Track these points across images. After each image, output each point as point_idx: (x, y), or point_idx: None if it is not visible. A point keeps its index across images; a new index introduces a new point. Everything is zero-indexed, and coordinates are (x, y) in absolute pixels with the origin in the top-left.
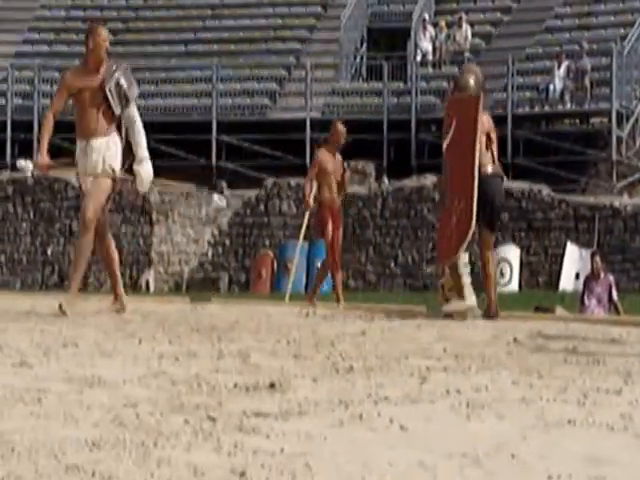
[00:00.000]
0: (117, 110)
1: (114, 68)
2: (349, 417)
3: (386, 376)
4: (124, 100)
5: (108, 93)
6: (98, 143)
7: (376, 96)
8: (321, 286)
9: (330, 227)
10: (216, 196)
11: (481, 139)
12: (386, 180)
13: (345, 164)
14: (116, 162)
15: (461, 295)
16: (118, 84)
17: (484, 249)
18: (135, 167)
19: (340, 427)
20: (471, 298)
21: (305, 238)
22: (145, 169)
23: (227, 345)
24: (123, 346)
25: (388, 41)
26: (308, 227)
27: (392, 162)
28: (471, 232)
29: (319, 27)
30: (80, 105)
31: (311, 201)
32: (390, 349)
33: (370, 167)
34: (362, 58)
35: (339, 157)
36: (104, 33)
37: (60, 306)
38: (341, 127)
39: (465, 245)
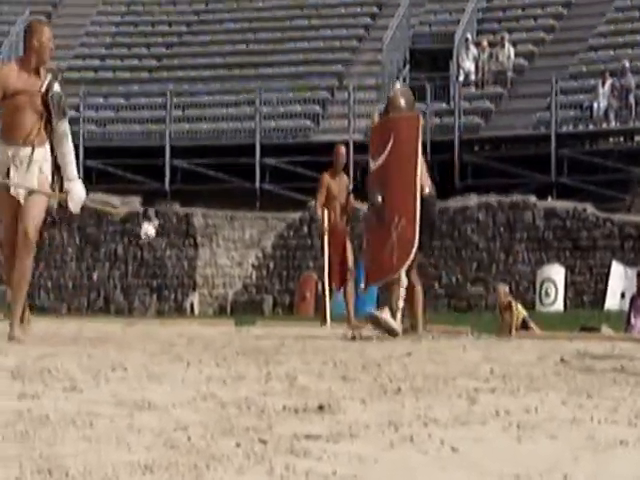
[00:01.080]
0: (55, 121)
1: (56, 75)
2: (399, 439)
3: (434, 397)
4: (62, 112)
5: (50, 101)
6: (37, 154)
7: None
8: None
9: (327, 251)
10: (145, 225)
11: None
12: None
13: (346, 183)
14: (49, 177)
15: (394, 316)
16: (59, 93)
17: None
18: (68, 185)
19: (391, 449)
20: (399, 323)
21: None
22: (79, 188)
23: (274, 367)
24: (171, 369)
25: (430, 62)
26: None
27: (435, 183)
28: (414, 252)
29: (362, 49)
30: (14, 108)
31: (325, 224)
32: (437, 370)
33: None
34: (404, 79)
35: (345, 180)
36: (49, 32)
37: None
38: (341, 150)
39: (407, 265)
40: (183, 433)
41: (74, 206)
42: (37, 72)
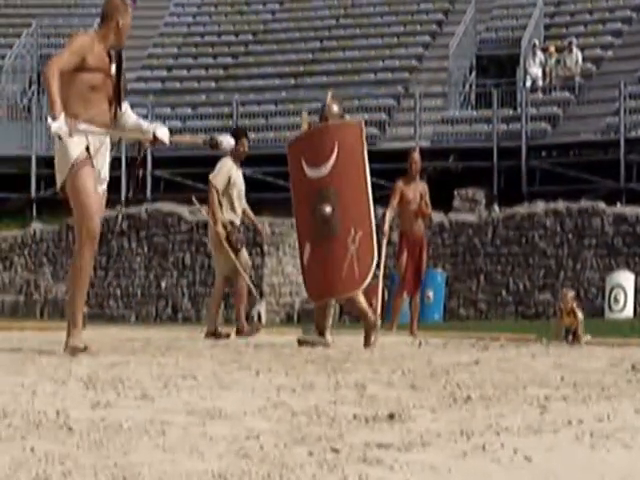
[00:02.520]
0: (123, 106)
1: (121, 57)
2: (472, 448)
3: (505, 406)
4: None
5: (123, 85)
6: (108, 143)
7: (486, 123)
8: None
9: (404, 257)
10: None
11: None
12: (496, 207)
13: (423, 189)
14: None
15: (322, 334)
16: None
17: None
18: (149, 127)
19: (463, 458)
20: (329, 337)
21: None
22: (161, 127)
23: (343, 376)
24: (240, 377)
25: (497, 68)
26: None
27: (502, 189)
28: (375, 264)
29: (428, 56)
30: (91, 87)
31: (386, 228)
32: (506, 378)
33: (480, 195)
34: (471, 86)
35: (421, 186)
36: (131, 15)
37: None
38: (414, 156)
39: (370, 278)
40: (255, 442)
41: (163, 136)
42: (109, 53)
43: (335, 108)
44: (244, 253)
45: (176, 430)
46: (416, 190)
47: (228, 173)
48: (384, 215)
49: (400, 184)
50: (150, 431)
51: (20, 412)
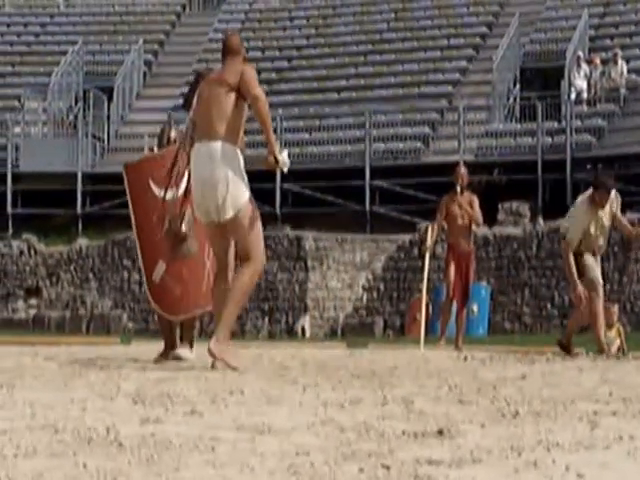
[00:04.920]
0: None
1: None
2: (523, 464)
3: (554, 421)
4: None
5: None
6: None
7: (530, 136)
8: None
9: (452, 270)
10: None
11: None
12: (541, 221)
13: (471, 200)
14: None
15: (192, 346)
16: None
17: None
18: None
19: (515, 475)
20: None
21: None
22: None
23: (389, 391)
24: (287, 393)
25: (541, 80)
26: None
27: (547, 202)
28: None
29: (471, 69)
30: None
31: (428, 242)
32: (554, 393)
33: (524, 208)
34: (515, 99)
35: (470, 197)
36: None
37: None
38: (460, 170)
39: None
40: (305, 458)
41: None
42: None
43: (173, 133)
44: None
45: (225, 446)
46: (463, 204)
47: None
48: (426, 229)
49: (446, 199)
50: (200, 447)
51: (71, 428)
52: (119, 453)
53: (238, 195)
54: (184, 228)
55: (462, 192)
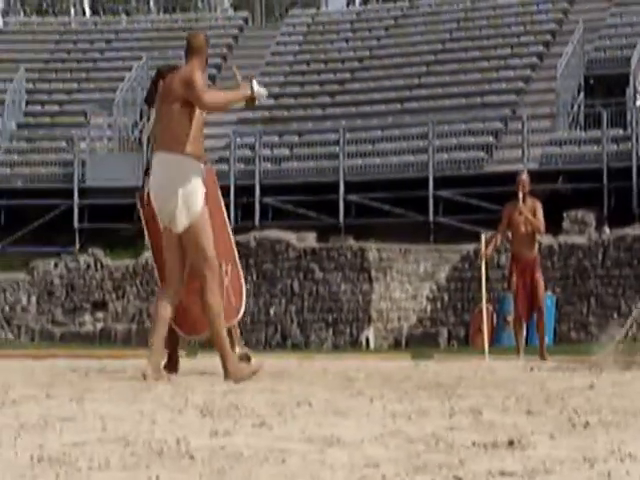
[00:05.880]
0: None
1: None
2: (597, 475)
3: (625, 432)
4: None
5: None
6: None
7: (595, 144)
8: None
9: (515, 279)
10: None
11: None
12: (607, 229)
13: (534, 206)
14: None
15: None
16: None
17: None
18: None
19: None
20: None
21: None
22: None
23: (457, 402)
24: (354, 404)
25: (606, 88)
26: (487, 278)
27: (613, 210)
28: (245, 290)
29: (535, 77)
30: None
31: (485, 250)
32: (624, 403)
33: (590, 217)
34: (579, 106)
35: (533, 204)
36: None
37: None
38: (520, 177)
39: (244, 306)
40: (376, 470)
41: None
42: None
43: None
44: None
45: (296, 458)
46: (525, 212)
47: None
48: (488, 239)
49: (508, 208)
50: (270, 459)
51: (141, 441)
52: (190, 465)
53: (190, 206)
54: None
55: (524, 200)
